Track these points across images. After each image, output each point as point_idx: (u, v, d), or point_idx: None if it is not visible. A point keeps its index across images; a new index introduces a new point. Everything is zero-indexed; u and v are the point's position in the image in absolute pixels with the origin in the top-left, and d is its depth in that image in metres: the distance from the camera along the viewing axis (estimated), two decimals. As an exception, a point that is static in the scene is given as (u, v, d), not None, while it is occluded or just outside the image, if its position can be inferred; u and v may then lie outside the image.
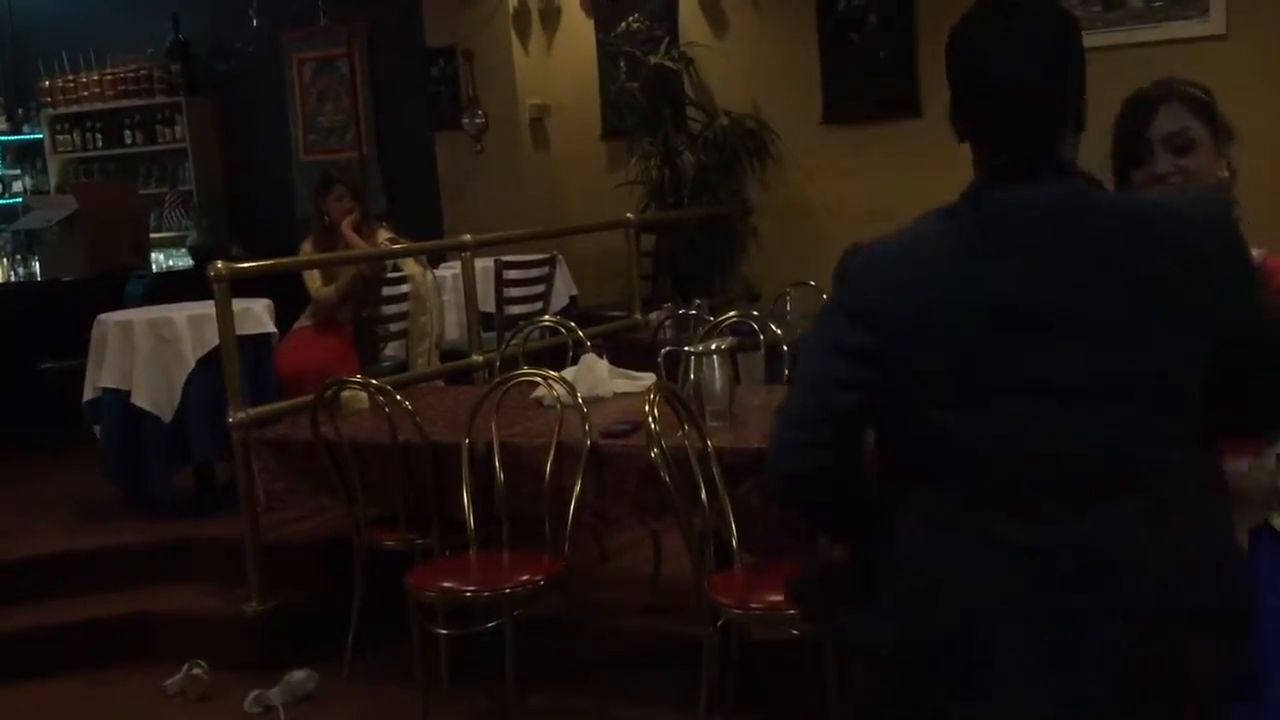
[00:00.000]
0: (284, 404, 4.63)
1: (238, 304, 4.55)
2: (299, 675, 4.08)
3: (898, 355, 1.64)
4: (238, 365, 4.38)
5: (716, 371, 3.69)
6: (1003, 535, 1.61)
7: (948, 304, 1.61)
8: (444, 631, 3.71)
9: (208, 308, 4.57)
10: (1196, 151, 2.30)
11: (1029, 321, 1.59)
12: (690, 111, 7.63)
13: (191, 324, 4.85)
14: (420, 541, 3.93)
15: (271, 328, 5.15)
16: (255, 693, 4.01)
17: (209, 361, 4.74)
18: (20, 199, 9.55)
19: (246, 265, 4.74)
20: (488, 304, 6.13)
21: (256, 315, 5.01)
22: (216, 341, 4.52)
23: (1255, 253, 2.21)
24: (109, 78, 9.33)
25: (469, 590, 3.60)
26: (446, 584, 3.62)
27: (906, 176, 6.65)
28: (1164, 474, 1.61)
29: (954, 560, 1.64)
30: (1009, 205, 1.63)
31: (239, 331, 4.50)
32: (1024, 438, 1.60)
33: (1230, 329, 1.62)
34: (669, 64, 7.54)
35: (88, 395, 5.04)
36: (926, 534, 1.67)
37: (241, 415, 4.32)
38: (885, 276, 1.67)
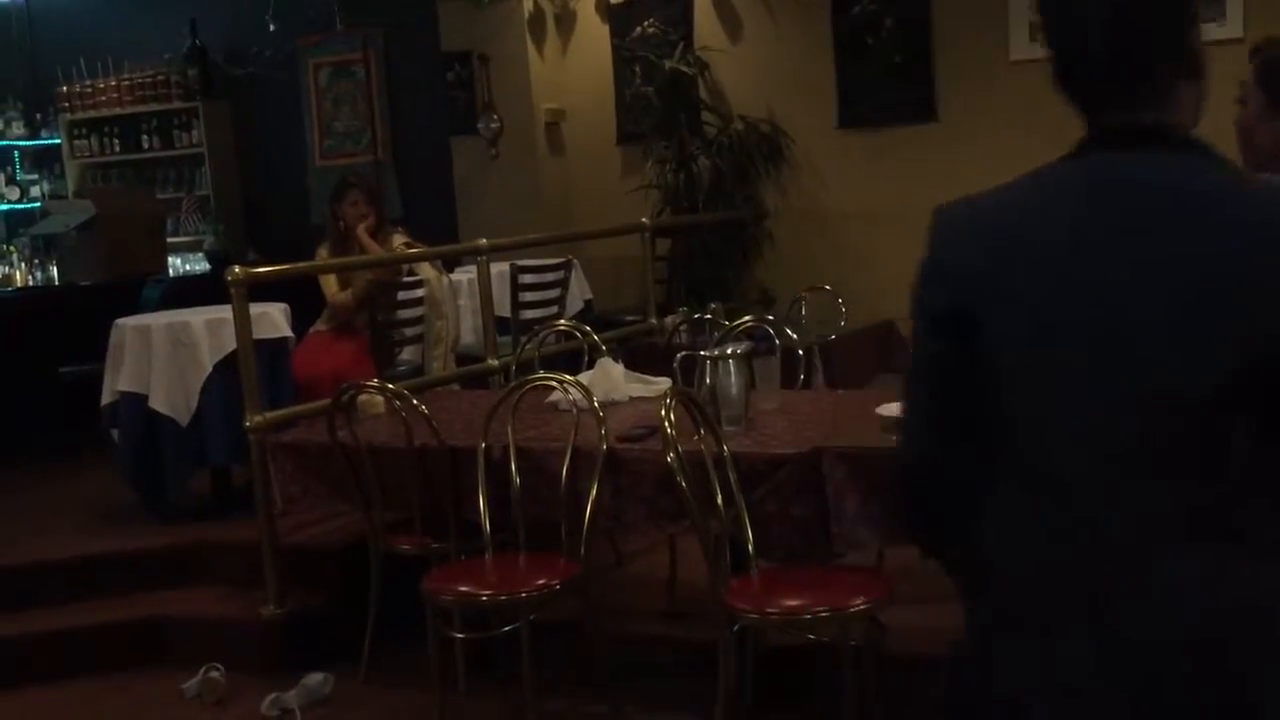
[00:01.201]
0: (301, 408, 4.64)
1: (254, 308, 4.56)
2: (315, 679, 4.09)
3: None
4: (255, 369, 4.40)
5: (732, 376, 3.69)
6: None
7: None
8: (460, 635, 3.72)
9: (225, 312, 4.58)
10: None
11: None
12: (705, 116, 7.62)
13: (209, 328, 4.87)
14: (436, 545, 3.93)
15: (288, 332, 5.17)
16: (272, 696, 4.02)
17: (226, 366, 4.76)
18: (38, 204, 9.56)
19: (263, 270, 4.76)
20: (503, 308, 6.13)
21: (273, 319, 5.03)
22: (233, 346, 4.54)
23: None
24: (126, 83, 9.35)
25: (485, 594, 3.60)
26: (463, 588, 3.62)
27: (922, 181, 6.63)
28: None
29: None
30: (1112, 181, 1.41)
31: (256, 336, 4.51)
32: None
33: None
34: (684, 68, 7.53)
35: (105, 399, 5.06)
36: None
37: (258, 419, 4.33)
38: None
